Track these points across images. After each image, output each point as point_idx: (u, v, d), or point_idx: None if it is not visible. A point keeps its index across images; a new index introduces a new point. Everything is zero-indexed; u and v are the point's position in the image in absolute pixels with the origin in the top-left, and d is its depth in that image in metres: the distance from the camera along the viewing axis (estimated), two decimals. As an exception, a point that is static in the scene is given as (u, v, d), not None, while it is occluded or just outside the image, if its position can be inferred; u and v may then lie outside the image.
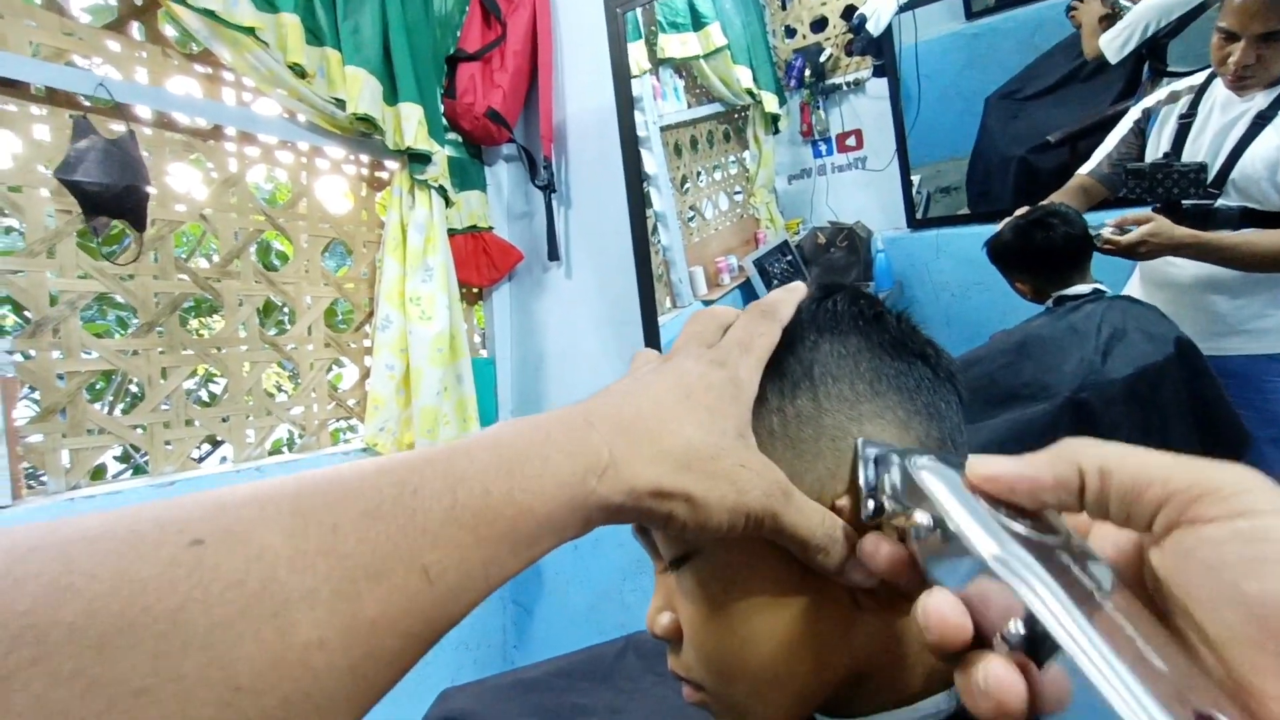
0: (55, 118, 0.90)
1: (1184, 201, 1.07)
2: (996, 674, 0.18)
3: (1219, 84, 1.04)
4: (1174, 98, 1.16)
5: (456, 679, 1.37)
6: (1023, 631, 0.18)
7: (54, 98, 0.90)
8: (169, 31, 1.04)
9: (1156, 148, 1.25)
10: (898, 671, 0.30)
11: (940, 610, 0.20)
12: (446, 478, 0.20)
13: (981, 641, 0.19)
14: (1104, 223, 1.02)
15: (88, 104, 0.93)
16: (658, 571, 0.35)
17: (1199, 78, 1.16)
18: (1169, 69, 1.33)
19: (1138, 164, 1.14)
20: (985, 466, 0.22)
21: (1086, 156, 1.35)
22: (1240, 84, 0.99)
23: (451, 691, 0.66)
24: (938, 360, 0.32)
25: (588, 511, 0.23)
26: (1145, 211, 1.06)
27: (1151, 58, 1.31)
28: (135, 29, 1.00)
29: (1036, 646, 0.17)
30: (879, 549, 0.24)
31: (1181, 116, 1.13)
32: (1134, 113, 1.26)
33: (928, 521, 0.22)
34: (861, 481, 0.26)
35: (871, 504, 0.25)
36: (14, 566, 0.15)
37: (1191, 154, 1.14)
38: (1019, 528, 0.20)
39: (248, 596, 0.16)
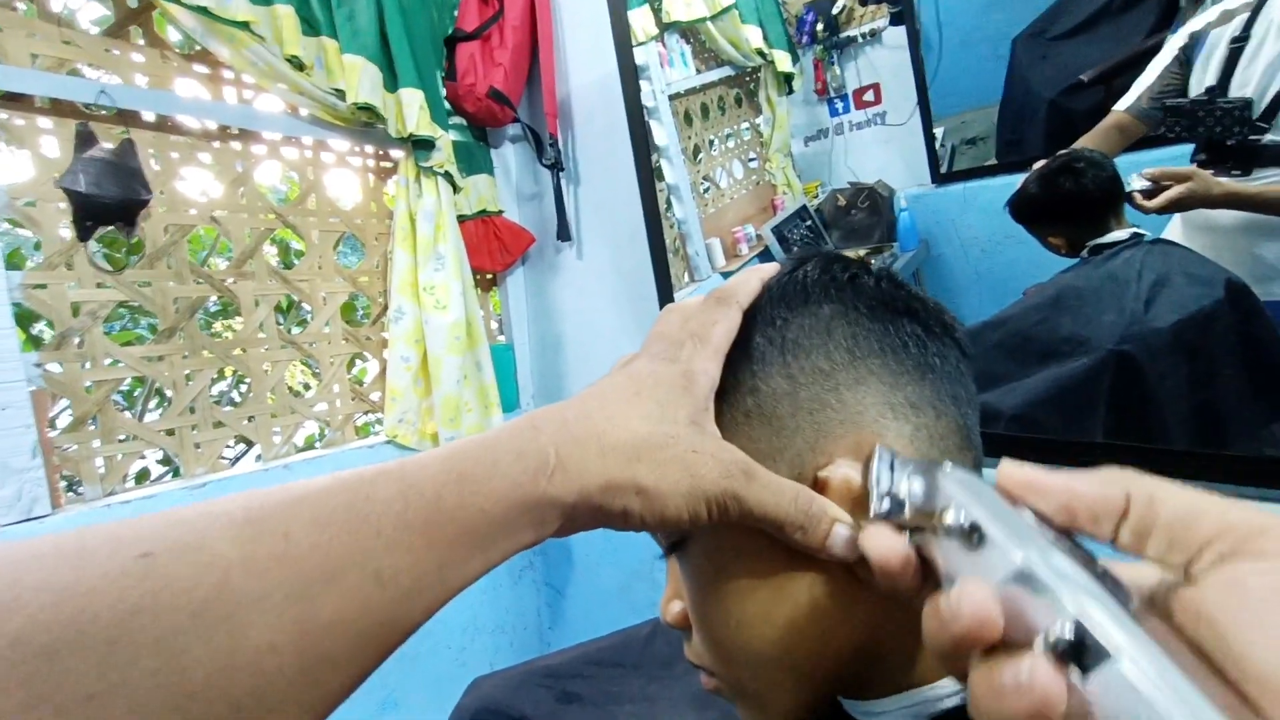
0: (62, 129, 0.91)
1: (1228, 140, 1.00)
2: (1042, 673, 0.16)
3: (1276, 3, 0.95)
4: (1226, 18, 1.07)
5: (494, 663, 1.40)
6: (1069, 637, 0.17)
7: (58, 108, 0.91)
8: (169, 35, 1.04)
9: (1203, 78, 1.16)
10: (910, 649, 0.29)
11: (977, 602, 0.18)
12: (398, 485, 0.21)
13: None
14: (1134, 175, 0.95)
15: (91, 113, 0.93)
16: (668, 560, 0.35)
17: (1258, -8, 1.06)
18: (1215, -15, 1.22)
19: (1178, 100, 1.06)
20: (1020, 473, 0.21)
21: (1122, 95, 1.26)
22: None
23: (482, 680, 0.66)
24: (927, 315, 0.31)
25: (540, 512, 0.23)
26: (1182, 169, 0.99)
27: (1194, -27, 1.20)
28: (133, 34, 1.00)
29: (1083, 654, 0.16)
30: (886, 542, 0.23)
31: (1234, 40, 1.05)
32: (1178, 38, 1.17)
33: (960, 522, 0.21)
34: (874, 477, 0.25)
35: (888, 502, 0.24)
36: None
37: (1242, 82, 1.05)
38: (1062, 543, 0.19)
39: (198, 602, 0.17)
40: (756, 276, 0.32)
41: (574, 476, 0.23)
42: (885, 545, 0.23)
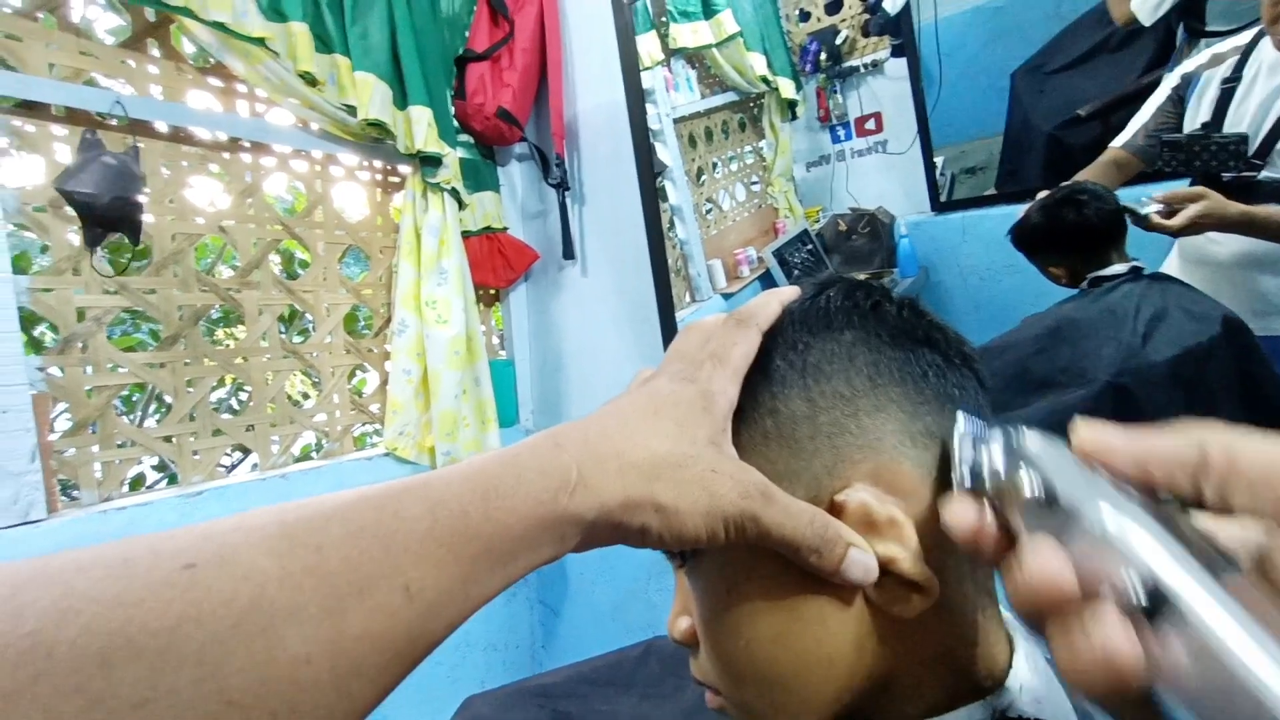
0: (74, 137, 0.92)
1: (1223, 175, 1.01)
2: (1113, 632, 0.16)
3: (1267, 44, 0.97)
4: (1217, 60, 1.09)
5: (486, 681, 1.38)
6: (1143, 590, 0.16)
7: (73, 117, 0.92)
8: (184, 47, 1.06)
9: (1196, 116, 1.18)
10: (922, 679, 0.28)
11: (1045, 562, 0.18)
12: (425, 501, 0.21)
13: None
14: (1144, 199, 0.96)
15: (104, 122, 0.95)
16: (677, 576, 0.35)
17: (1245, 37, 1.08)
18: (1207, 29, 1.25)
19: (1174, 135, 1.08)
20: (1092, 433, 0.21)
21: (1119, 130, 1.28)
22: None
23: (474, 699, 0.65)
24: (947, 345, 0.31)
25: (562, 528, 0.23)
26: (1194, 188, 0.99)
27: (1187, 17, 1.23)
28: (149, 45, 1.01)
29: (1156, 610, 0.16)
30: (962, 511, 0.23)
31: (1225, 81, 1.06)
32: (1172, 79, 1.19)
33: (1034, 490, 0.21)
34: (956, 448, 0.25)
35: (969, 472, 0.24)
36: (14, 594, 0.16)
37: (1235, 121, 1.07)
38: (1144, 502, 0.19)
39: (238, 613, 0.17)
40: (776, 299, 0.32)
41: (594, 493, 0.23)
42: (960, 514, 0.23)
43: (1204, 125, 1.12)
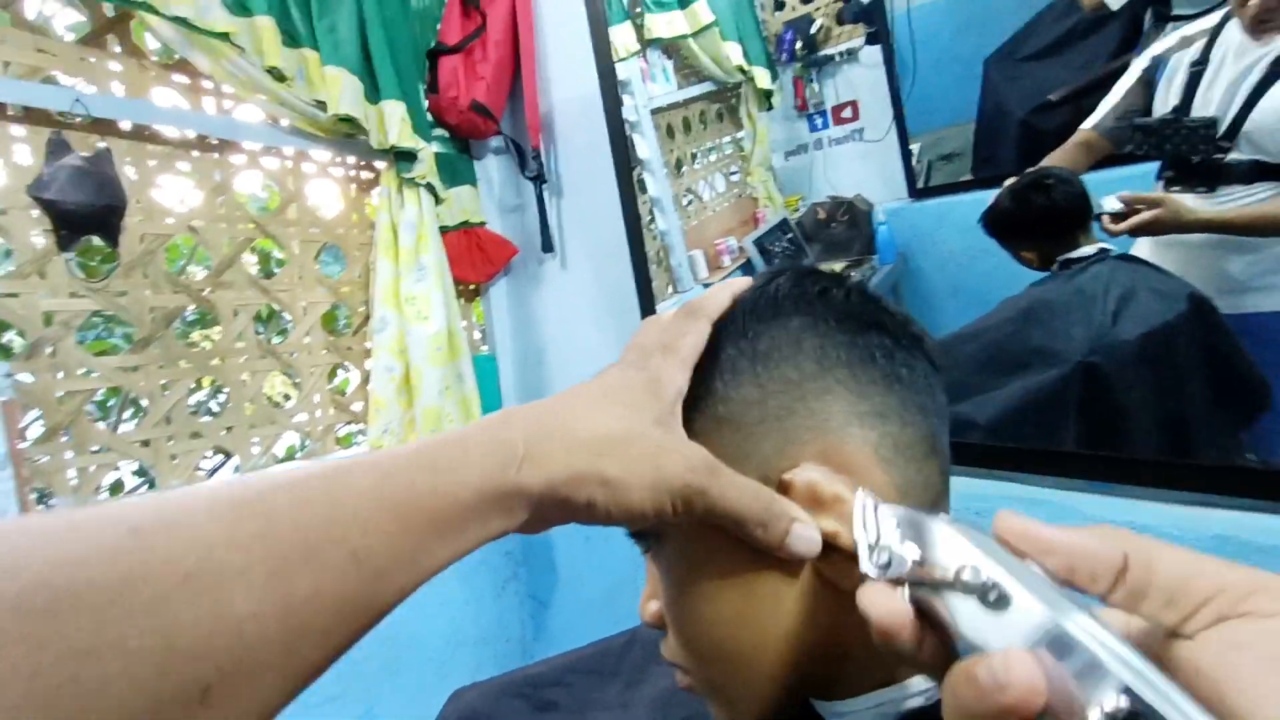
0: (36, 137, 0.90)
1: (1193, 157, 1.03)
2: None
3: (1233, 27, 0.99)
4: (1185, 43, 1.11)
5: (477, 675, 1.38)
6: (1126, 708, 0.16)
7: (32, 116, 0.90)
8: (147, 43, 1.03)
9: (1166, 99, 1.20)
10: (873, 649, 0.29)
11: (1027, 670, 0.17)
12: (373, 473, 0.22)
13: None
14: (1107, 200, 0.98)
15: (66, 121, 0.92)
16: (646, 561, 0.35)
17: (1212, 19, 1.10)
18: (1173, 13, 1.27)
19: (1145, 119, 1.10)
20: (1019, 524, 0.21)
21: (1089, 114, 1.30)
22: (1260, 27, 0.94)
23: (463, 691, 0.66)
24: (895, 327, 0.32)
25: (509, 501, 0.24)
26: (1155, 194, 1.02)
27: (1154, 1, 1.25)
28: (110, 42, 0.99)
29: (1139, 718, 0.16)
30: (886, 602, 0.22)
31: (1193, 64, 1.09)
32: (1141, 61, 1.21)
33: (979, 580, 0.20)
34: (859, 527, 0.24)
35: (885, 556, 0.23)
36: None
37: (1203, 104, 1.09)
38: (1079, 601, 0.19)
39: (185, 572, 0.18)
40: (727, 290, 0.33)
41: (541, 468, 0.24)
42: (886, 606, 0.21)
43: (1174, 109, 1.14)
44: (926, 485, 0.30)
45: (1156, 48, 1.21)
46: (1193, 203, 0.96)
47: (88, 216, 0.86)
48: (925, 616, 0.21)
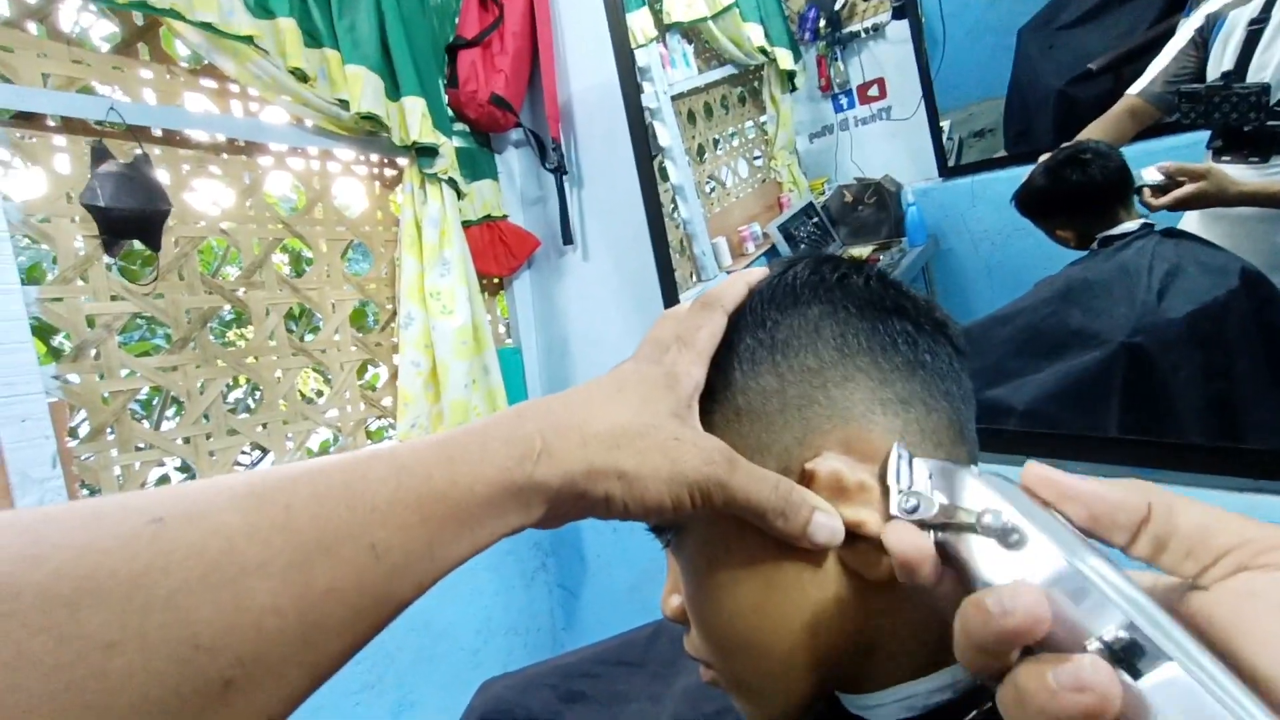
0: (74, 146, 0.93)
1: (1244, 126, 0.97)
2: (1102, 673, 0.17)
3: None
4: None
5: (509, 664, 1.41)
6: (1125, 639, 0.17)
7: (69, 126, 0.93)
8: (176, 50, 1.06)
9: (1220, 60, 1.13)
10: (904, 641, 0.29)
11: (1031, 599, 0.18)
12: (391, 465, 0.22)
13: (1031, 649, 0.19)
14: (1147, 171, 0.93)
15: (103, 129, 0.95)
16: (667, 555, 0.35)
17: (1278, -28, 1.03)
18: (1226, -33, 1.19)
19: (1193, 86, 1.04)
20: (1044, 472, 0.22)
21: (1132, 83, 1.23)
22: None
23: (491, 682, 0.67)
24: (917, 313, 0.31)
25: (526, 495, 0.23)
26: (1199, 165, 0.96)
27: (1206, -44, 1.17)
28: (141, 51, 1.02)
29: (1136, 656, 0.17)
30: (910, 537, 0.23)
31: (1252, 22, 1.02)
32: (1194, 20, 1.14)
33: (1000, 523, 0.21)
34: (893, 473, 0.26)
35: (913, 499, 0.25)
36: None
37: (1260, 66, 1.03)
38: (1099, 548, 0.20)
39: (206, 564, 0.18)
40: (743, 281, 0.32)
41: (558, 462, 0.24)
42: (910, 541, 0.23)
43: (1225, 74, 1.07)
44: None
45: (1212, 4, 1.14)
46: (1240, 174, 0.90)
47: (133, 221, 0.89)
48: (950, 561, 0.23)
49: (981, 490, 0.23)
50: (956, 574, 0.23)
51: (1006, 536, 0.21)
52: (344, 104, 1.10)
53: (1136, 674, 0.17)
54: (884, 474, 0.26)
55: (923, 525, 0.24)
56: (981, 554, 0.22)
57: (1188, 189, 0.89)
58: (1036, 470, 0.22)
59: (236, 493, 0.20)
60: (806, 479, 0.28)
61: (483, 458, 0.23)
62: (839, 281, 0.31)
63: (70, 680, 0.15)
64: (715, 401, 0.30)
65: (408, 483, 0.22)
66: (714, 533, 0.30)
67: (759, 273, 0.33)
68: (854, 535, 0.27)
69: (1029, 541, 0.20)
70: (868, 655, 0.29)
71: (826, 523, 0.26)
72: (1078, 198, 0.91)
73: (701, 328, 0.30)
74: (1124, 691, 0.17)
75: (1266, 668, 0.16)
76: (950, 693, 0.28)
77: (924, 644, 0.29)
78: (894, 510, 0.25)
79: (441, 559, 0.22)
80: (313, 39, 1.07)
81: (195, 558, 0.18)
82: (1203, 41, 1.14)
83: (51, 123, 0.92)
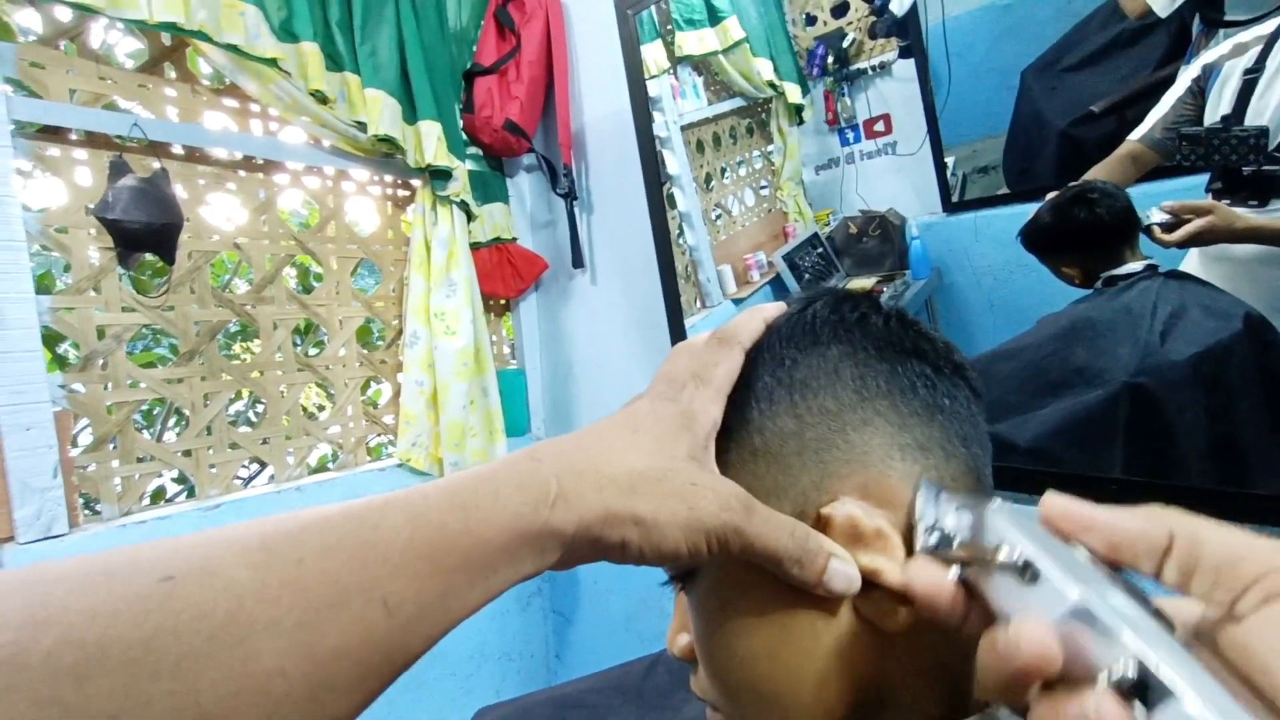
0: (95, 159, 0.95)
1: (1243, 169, 0.99)
2: (1109, 709, 0.17)
3: None
4: (1240, 50, 1.07)
5: (501, 691, 1.38)
6: (1132, 675, 0.17)
7: (93, 140, 0.95)
8: (200, 69, 1.08)
9: (1217, 108, 1.15)
10: (918, 693, 0.28)
11: (1037, 636, 0.18)
12: (404, 514, 0.21)
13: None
14: (1151, 210, 0.94)
15: (124, 144, 0.97)
16: (675, 592, 0.34)
17: (1269, 26, 1.06)
18: (1225, 18, 1.23)
19: (1192, 129, 1.06)
20: (1063, 504, 0.21)
21: (1134, 126, 1.26)
22: None
23: (486, 711, 0.66)
24: (936, 355, 0.31)
25: (541, 541, 0.23)
26: (1203, 202, 0.97)
27: (1204, 7, 1.21)
28: (166, 69, 1.04)
29: (1146, 691, 0.17)
30: (932, 575, 0.23)
31: (1247, 71, 1.04)
32: (1192, 70, 1.16)
33: (1014, 559, 0.21)
34: (919, 511, 0.26)
35: (936, 536, 0.25)
36: None
37: (1257, 112, 1.05)
38: (1117, 580, 0.20)
39: (214, 626, 0.17)
40: (760, 316, 0.32)
41: (574, 507, 0.23)
42: (931, 579, 0.23)
43: (1224, 118, 1.09)
44: None
45: (1208, 55, 1.17)
46: (1244, 215, 0.91)
47: (148, 234, 0.90)
48: (974, 596, 0.23)
49: (1000, 525, 0.22)
50: (983, 611, 0.23)
51: (1023, 572, 0.21)
52: (362, 126, 1.12)
53: (1150, 708, 0.17)
54: (910, 511, 0.26)
55: (946, 561, 0.24)
56: (1000, 591, 0.22)
57: (1197, 224, 0.90)
58: (1054, 502, 0.21)
59: (248, 545, 0.19)
60: (823, 524, 0.27)
61: (496, 504, 0.22)
62: (858, 321, 0.30)
63: None
64: (731, 440, 0.29)
65: (421, 532, 0.21)
66: (727, 576, 0.29)
67: (775, 308, 0.33)
68: (870, 584, 0.26)
69: (1043, 575, 0.20)
70: (879, 705, 0.28)
71: (843, 570, 0.26)
72: (1084, 236, 0.92)
73: (719, 364, 0.29)
74: None
75: None
76: None
77: (937, 697, 0.28)
78: (918, 547, 0.25)
79: (455, 609, 0.21)
80: (334, 63, 1.10)
81: (203, 620, 0.17)
82: (1200, 90, 1.17)
83: (75, 136, 0.93)
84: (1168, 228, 0.91)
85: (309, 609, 0.19)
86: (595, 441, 0.26)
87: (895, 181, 2.07)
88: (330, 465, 1.37)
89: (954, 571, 0.23)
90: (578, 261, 1.37)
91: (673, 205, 1.83)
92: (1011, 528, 0.22)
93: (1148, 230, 0.92)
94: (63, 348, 1.45)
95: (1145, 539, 0.20)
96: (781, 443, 0.28)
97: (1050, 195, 0.99)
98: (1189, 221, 0.90)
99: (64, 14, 0.92)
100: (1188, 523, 0.20)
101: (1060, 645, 0.18)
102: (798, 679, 0.28)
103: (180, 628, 0.17)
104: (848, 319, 0.30)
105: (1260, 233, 0.89)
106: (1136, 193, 0.98)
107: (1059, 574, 0.20)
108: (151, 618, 0.17)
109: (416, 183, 1.27)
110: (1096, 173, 1.16)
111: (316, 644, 0.19)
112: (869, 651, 0.27)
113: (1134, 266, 0.90)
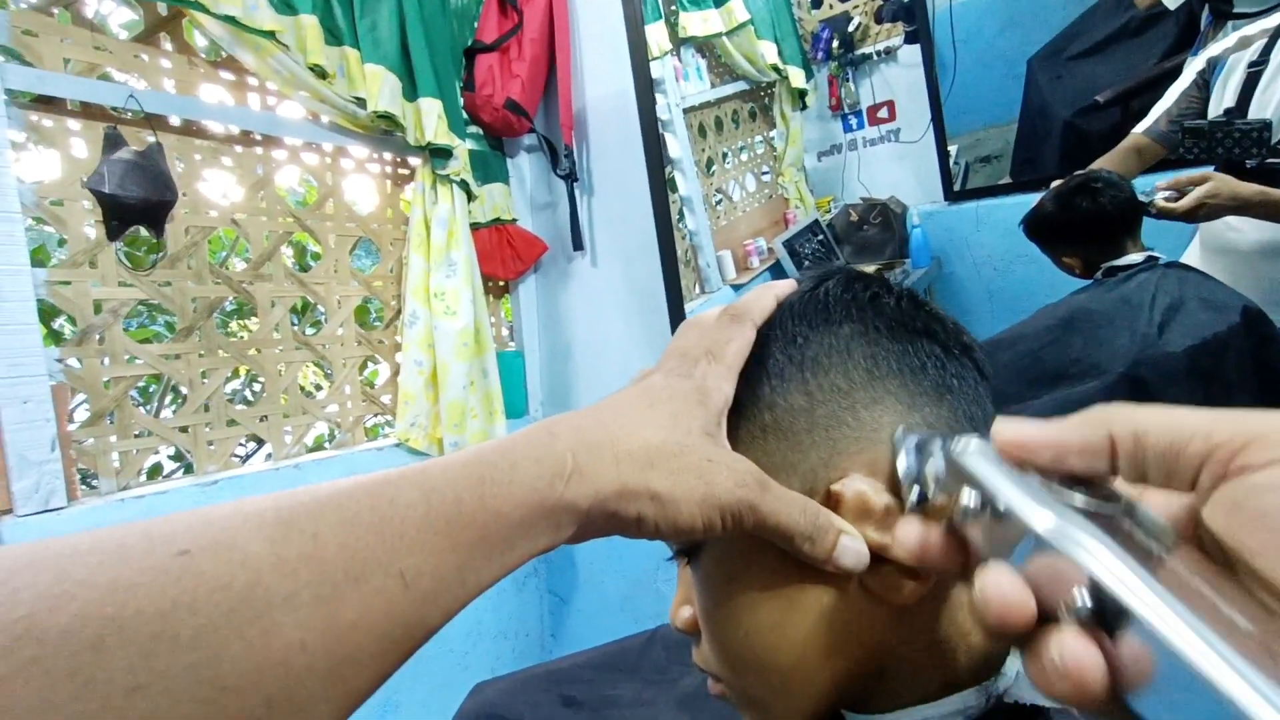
0: (90, 131, 0.93)
1: (1246, 162, 0.99)
2: (1072, 649, 0.17)
3: None
4: (1245, 43, 1.06)
5: (496, 669, 1.40)
6: (1089, 601, 0.17)
7: (88, 111, 0.93)
8: (196, 41, 1.07)
9: (1220, 101, 1.15)
10: (918, 665, 0.29)
11: (1000, 586, 0.18)
12: (420, 488, 0.21)
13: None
14: (1155, 186, 0.94)
15: (120, 116, 0.96)
16: (679, 566, 0.35)
17: (1274, 19, 1.05)
18: (1235, 10, 1.22)
19: (1196, 122, 1.05)
20: (1010, 431, 0.21)
21: (1139, 117, 1.25)
22: None
23: (484, 685, 0.66)
24: (946, 336, 0.31)
25: (557, 516, 0.23)
26: (1200, 172, 0.97)
27: (1213, -1, 1.20)
28: (162, 40, 1.02)
29: (1106, 616, 0.17)
30: (916, 533, 0.24)
31: (1251, 65, 1.04)
32: (1197, 63, 1.16)
33: (975, 502, 0.21)
34: (901, 469, 0.26)
35: (916, 490, 0.25)
36: (8, 579, 0.16)
37: (1260, 106, 1.04)
38: (1076, 499, 0.19)
39: (233, 600, 0.17)
40: (771, 294, 0.32)
41: (590, 481, 0.23)
42: (909, 536, 0.23)
43: (1227, 111, 1.09)
44: None
45: (1214, 48, 1.16)
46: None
47: (139, 209, 0.89)
48: (964, 540, 0.23)
49: (965, 465, 0.22)
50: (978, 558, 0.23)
51: (984, 512, 0.21)
52: (361, 102, 1.11)
53: (1113, 634, 0.16)
54: (893, 465, 0.26)
55: (929, 516, 0.24)
56: (977, 533, 0.21)
57: (1201, 190, 0.90)
58: (999, 428, 0.21)
59: (264, 520, 0.19)
60: (832, 500, 0.27)
61: (513, 478, 0.23)
62: (871, 300, 0.31)
63: None
64: (742, 417, 0.29)
65: (437, 507, 0.21)
66: (734, 550, 0.29)
67: (786, 285, 0.33)
68: (878, 559, 0.27)
69: (1004, 514, 0.20)
70: (881, 677, 0.29)
71: (853, 547, 0.26)
72: (1087, 225, 0.92)
73: (731, 341, 0.29)
74: (1109, 653, 0.16)
75: (1274, 578, 0.15)
76: (961, 719, 0.28)
77: (938, 668, 0.29)
78: (906, 506, 0.25)
79: (472, 583, 0.22)
80: (333, 36, 1.08)
81: (221, 592, 0.17)
82: (1205, 83, 1.16)
83: (70, 107, 0.92)
84: (1172, 200, 0.91)
85: (327, 583, 0.19)
86: (612, 417, 0.26)
87: (897, 169, 2.06)
88: (327, 444, 1.38)
89: (935, 526, 0.23)
90: (578, 244, 1.36)
91: (674, 189, 1.81)
92: (972, 466, 0.22)
93: (1152, 208, 0.92)
94: (58, 323, 1.44)
95: (1089, 449, 0.19)
96: (792, 419, 0.29)
97: (1055, 184, 0.99)
98: (1189, 192, 0.90)
99: (58, -20, 0.91)
100: (1125, 418, 0.19)
101: (1029, 586, 0.18)
102: (801, 651, 0.28)
103: (198, 602, 0.17)
104: (860, 298, 0.31)
105: (1265, 196, 0.88)
106: (1140, 184, 0.98)
107: (1015, 507, 0.19)
108: (169, 591, 0.17)
109: (416, 161, 1.26)
110: (1101, 165, 1.15)
111: (336, 617, 0.19)
112: (873, 625, 0.28)
113: (1135, 258, 0.90)
